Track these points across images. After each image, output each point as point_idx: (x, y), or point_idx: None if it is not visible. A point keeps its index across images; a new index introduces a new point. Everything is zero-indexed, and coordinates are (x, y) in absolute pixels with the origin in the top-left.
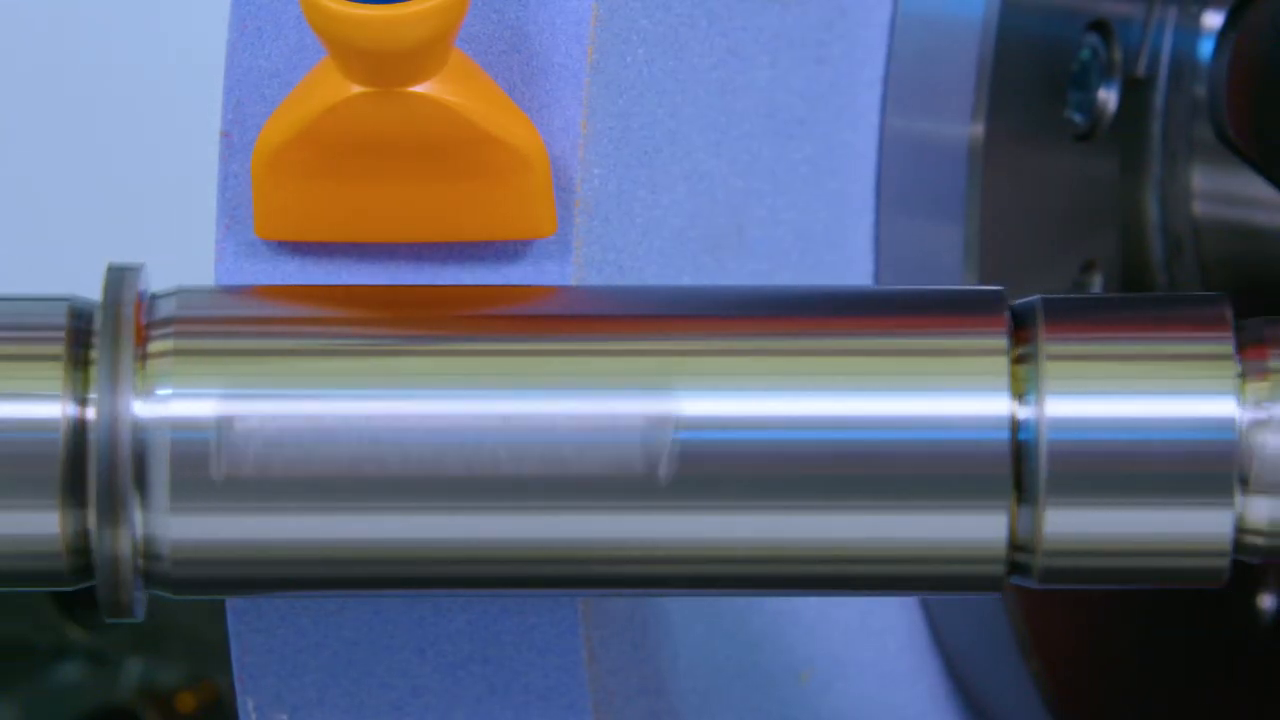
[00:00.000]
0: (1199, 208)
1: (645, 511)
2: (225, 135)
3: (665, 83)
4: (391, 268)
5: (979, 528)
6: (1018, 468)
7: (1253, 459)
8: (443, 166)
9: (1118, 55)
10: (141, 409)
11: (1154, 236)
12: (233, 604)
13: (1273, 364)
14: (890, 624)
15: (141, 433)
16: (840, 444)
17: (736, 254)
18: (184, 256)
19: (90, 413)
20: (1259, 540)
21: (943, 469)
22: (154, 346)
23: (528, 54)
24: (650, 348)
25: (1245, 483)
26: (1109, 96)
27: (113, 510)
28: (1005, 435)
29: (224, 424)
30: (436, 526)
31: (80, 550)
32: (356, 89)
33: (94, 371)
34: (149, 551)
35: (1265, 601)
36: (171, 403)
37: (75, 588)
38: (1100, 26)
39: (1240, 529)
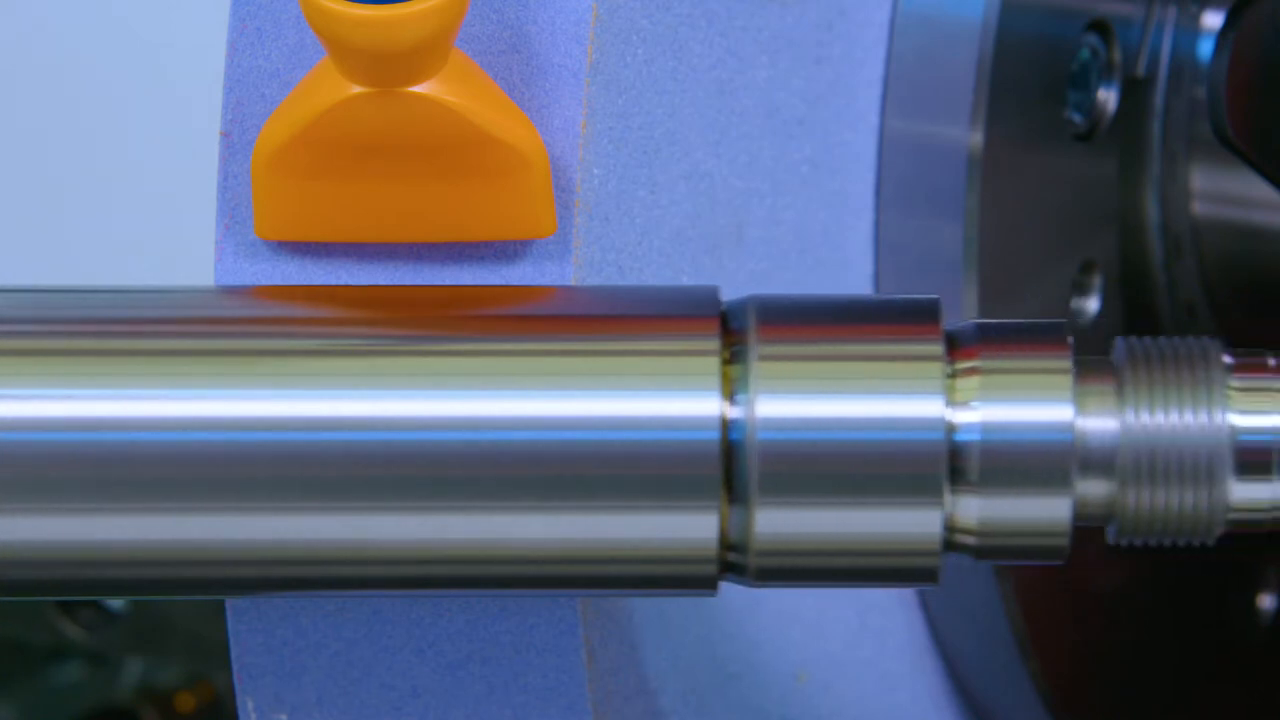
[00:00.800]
0: (1199, 208)
1: (366, 513)
2: (225, 135)
3: (665, 83)
4: (391, 268)
5: (690, 528)
6: (728, 468)
7: (961, 459)
8: (443, 166)
9: (1117, 55)
10: None
11: (1154, 236)
12: (233, 604)
13: (982, 364)
14: (890, 624)
15: None
16: (555, 444)
17: (736, 254)
18: (184, 256)
19: None
20: (970, 540)
21: (654, 469)
22: None
23: (528, 54)
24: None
25: (955, 482)
26: (1109, 97)
27: None
28: (715, 435)
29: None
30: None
31: None
32: (356, 89)
33: None
34: None
35: (1265, 601)
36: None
37: None
38: (1100, 27)
39: (951, 528)
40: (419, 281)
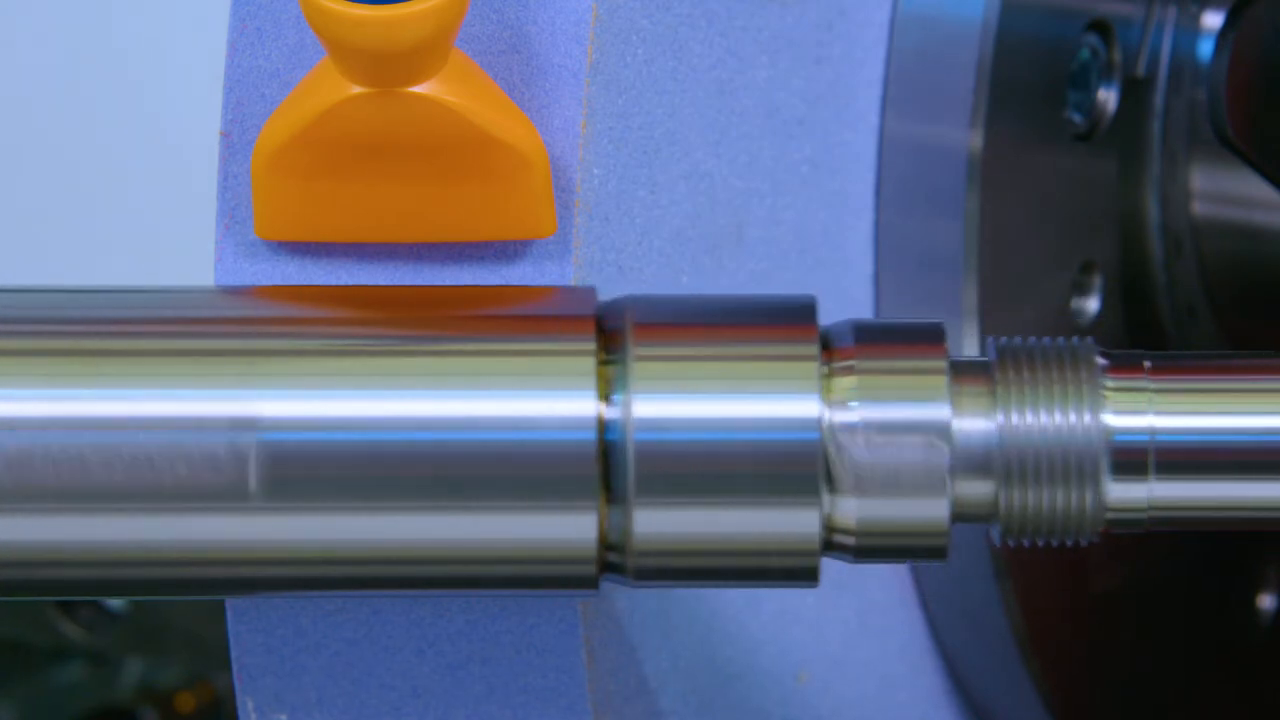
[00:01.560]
0: (1198, 208)
1: (239, 514)
2: (225, 135)
3: (665, 83)
4: (391, 268)
5: (569, 528)
6: (605, 468)
7: (838, 459)
8: (442, 167)
9: (1117, 55)
10: None
11: (1154, 236)
12: (233, 604)
13: (858, 364)
14: (890, 624)
15: None
16: (431, 445)
17: (736, 254)
18: (184, 256)
19: None
20: (849, 540)
21: (531, 470)
22: None
23: (528, 54)
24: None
25: (831, 482)
26: (1109, 97)
27: None
28: (592, 436)
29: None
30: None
31: None
32: (356, 89)
33: None
34: None
35: (1265, 601)
36: None
37: None
38: (1100, 27)
39: (829, 528)
40: (419, 281)
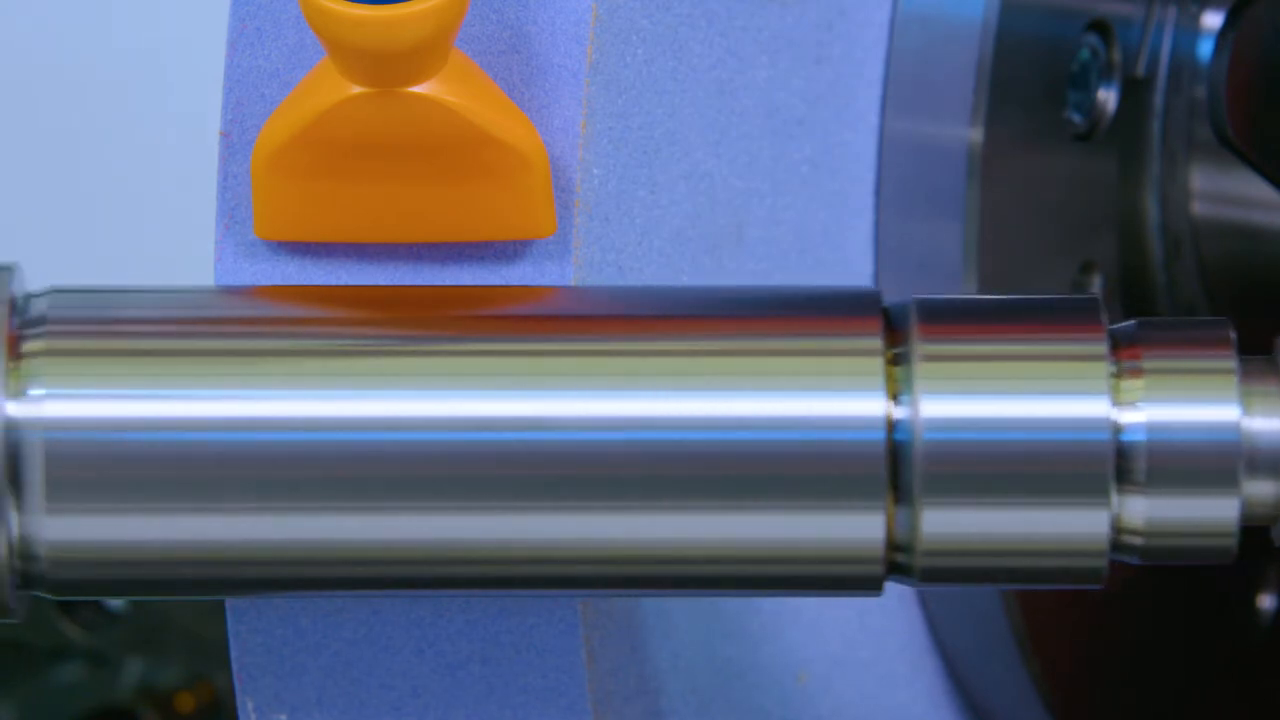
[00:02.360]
0: (1198, 208)
1: (519, 513)
2: (225, 135)
3: (665, 83)
4: (391, 267)
5: (856, 528)
6: (893, 468)
7: (1128, 459)
8: (442, 167)
9: (1117, 55)
10: (15, 410)
11: (1153, 237)
12: (232, 604)
13: (1146, 364)
14: (890, 624)
15: (15, 433)
16: (718, 445)
17: (736, 254)
18: (184, 256)
19: None
20: (1137, 540)
21: (819, 470)
22: (27, 346)
23: (528, 54)
24: (495, 349)
25: (1121, 482)
26: (1108, 97)
27: None
28: (880, 436)
29: (98, 424)
30: (305, 527)
31: None
32: (356, 89)
33: None
34: (25, 553)
35: (1265, 601)
36: (45, 403)
37: None
38: (1100, 27)
39: (1117, 529)
40: (419, 282)
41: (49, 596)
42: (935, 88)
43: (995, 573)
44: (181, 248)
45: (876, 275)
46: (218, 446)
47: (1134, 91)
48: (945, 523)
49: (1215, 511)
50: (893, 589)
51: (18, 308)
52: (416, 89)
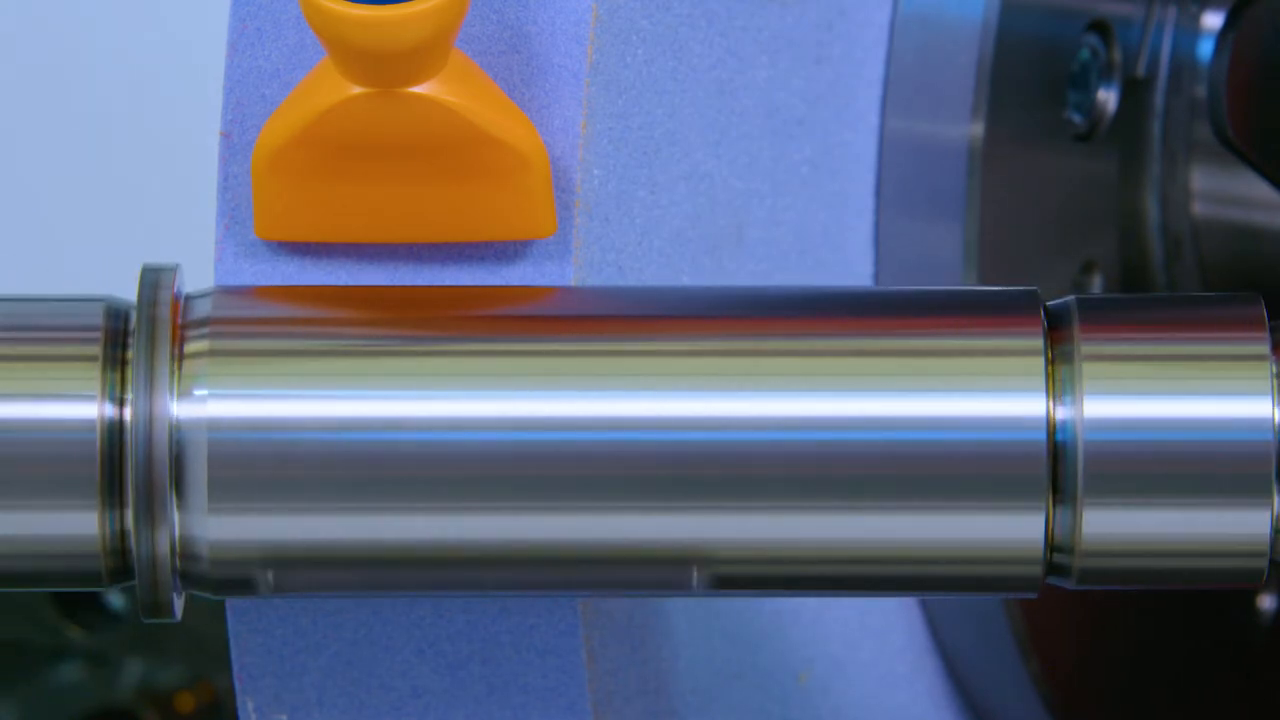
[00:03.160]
0: (1198, 208)
1: (684, 513)
2: (225, 135)
3: (665, 83)
4: (391, 268)
5: (1017, 528)
6: (1055, 469)
7: None
8: (442, 167)
9: (1117, 56)
10: (179, 409)
11: (1153, 237)
12: (233, 604)
13: None
14: (890, 624)
15: (179, 433)
16: (879, 445)
17: (736, 254)
18: (184, 256)
19: (127, 413)
20: None
21: (981, 470)
22: (190, 347)
23: (528, 54)
24: (671, 349)
25: None
26: (1109, 97)
27: (151, 511)
28: (1042, 436)
29: (261, 424)
30: (470, 527)
31: (118, 551)
32: (356, 89)
33: (130, 372)
34: (187, 552)
35: (1265, 601)
36: (209, 403)
37: (112, 588)
38: (1100, 27)
39: (1278, 530)
40: (419, 281)
41: (209, 596)
42: (935, 88)
43: (1153, 574)
44: (182, 248)
45: (876, 275)
46: (378, 446)
47: (1134, 91)
48: (1106, 523)
49: None
50: None
51: (180, 308)
52: (417, 89)
